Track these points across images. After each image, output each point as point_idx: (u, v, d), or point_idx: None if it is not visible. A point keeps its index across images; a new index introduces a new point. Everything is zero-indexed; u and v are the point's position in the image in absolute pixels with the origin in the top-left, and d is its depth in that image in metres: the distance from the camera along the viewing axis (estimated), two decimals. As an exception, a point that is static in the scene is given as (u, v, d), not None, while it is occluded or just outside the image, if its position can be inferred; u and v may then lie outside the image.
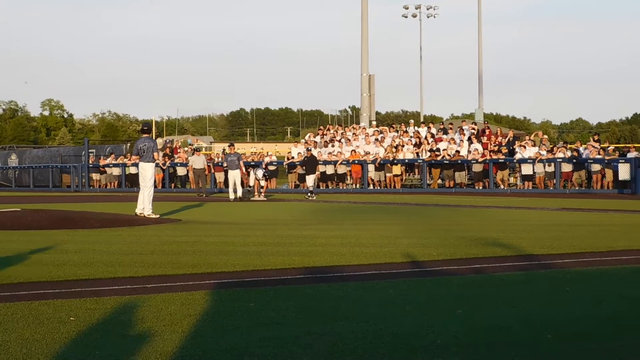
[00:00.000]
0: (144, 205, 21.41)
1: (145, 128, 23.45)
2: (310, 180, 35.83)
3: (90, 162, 50.61)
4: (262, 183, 35.49)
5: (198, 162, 40.34)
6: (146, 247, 14.42)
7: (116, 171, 48.39)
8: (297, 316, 7.88)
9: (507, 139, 42.42)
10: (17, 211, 22.13)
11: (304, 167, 38.16)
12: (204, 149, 43.92)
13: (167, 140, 55.12)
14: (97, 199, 38.05)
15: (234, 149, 35.67)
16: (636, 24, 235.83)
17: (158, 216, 21.38)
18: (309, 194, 35.12)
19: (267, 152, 48.25)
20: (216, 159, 44.97)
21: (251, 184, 35.76)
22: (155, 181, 23.02)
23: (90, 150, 53.90)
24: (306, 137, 50.79)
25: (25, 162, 58.47)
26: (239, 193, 33.70)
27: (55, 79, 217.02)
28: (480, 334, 7.07)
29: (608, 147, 42.29)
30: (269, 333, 7.09)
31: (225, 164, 35.89)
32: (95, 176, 49.80)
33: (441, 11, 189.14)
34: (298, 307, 8.36)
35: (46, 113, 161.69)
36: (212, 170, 43.46)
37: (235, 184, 33.87)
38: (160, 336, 6.99)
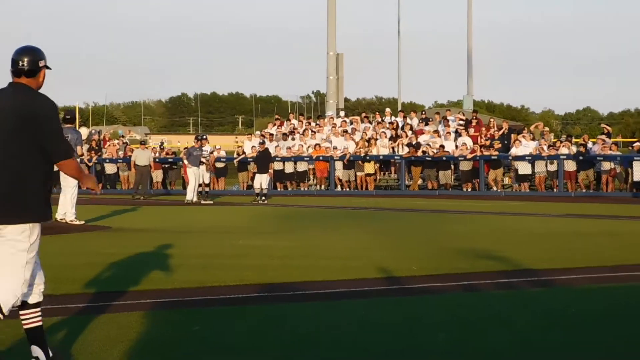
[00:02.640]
0: (66, 209, 21.30)
1: (68, 117, 23.09)
2: (262, 180, 35.67)
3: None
4: (207, 181, 35.56)
5: (142, 157, 40.03)
6: (69, 259, 14.35)
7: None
8: (251, 342, 7.90)
9: (501, 132, 42.56)
10: None
11: (256, 164, 38.07)
12: (142, 142, 43.65)
13: (94, 132, 54.64)
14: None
15: (206, 142, 36.17)
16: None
17: (83, 222, 21.27)
18: (259, 197, 35.06)
19: (215, 146, 48.04)
20: (154, 154, 44.65)
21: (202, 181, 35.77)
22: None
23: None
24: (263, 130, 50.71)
25: None
26: (193, 197, 33.92)
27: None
28: (470, 353, 7.14)
29: (635, 142, 42.45)
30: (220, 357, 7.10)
31: (186, 160, 35.28)
32: None
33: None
34: (252, 331, 8.39)
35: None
36: (151, 168, 43.17)
37: (195, 185, 34.21)
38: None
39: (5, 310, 6.83)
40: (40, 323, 7.11)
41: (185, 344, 7.78)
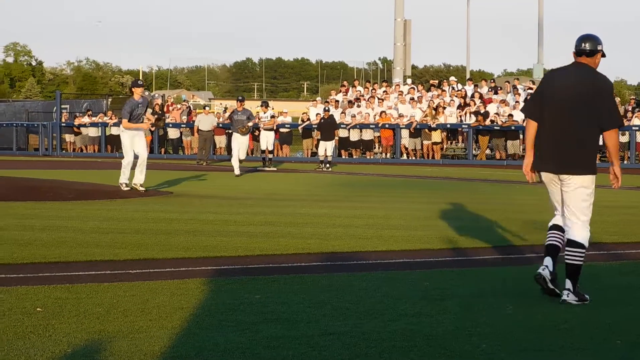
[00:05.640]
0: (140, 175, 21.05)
1: (141, 83, 22.51)
2: (327, 147, 35.61)
3: (63, 120, 50.53)
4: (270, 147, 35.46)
5: (206, 122, 39.96)
6: (129, 224, 14.45)
7: (94, 132, 48.28)
8: (312, 312, 7.88)
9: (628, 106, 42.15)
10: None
11: (319, 132, 37.97)
12: (206, 107, 43.41)
13: (154, 95, 54.59)
14: (71, 165, 38.06)
15: (243, 104, 31.30)
16: None
17: (144, 189, 21.18)
18: (323, 165, 35.05)
19: (283, 110, 47.91)
20: (217, 119, 44.47)
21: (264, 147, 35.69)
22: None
23: (63, 107, 53.63)
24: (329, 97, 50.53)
25: (-17, 118, 58.46)
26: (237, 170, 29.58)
27: (22, 19, 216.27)
28: (535, 335, 7.06)
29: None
30: (277, 332, 7.09)
31: (231, 126, 31.05)
32: (68, 137, 49.69)
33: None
34: (313, 300, 8.37)
35: (10, 60, 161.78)
36: (215, 133, 42.98)
37: (239, 152, 29.56)
38: (146, 333, 7.01)
39: (587, 244, 8.84)
40: (579, 263, 8.61)
41: (245, 313, 7.77)
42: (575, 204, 8.95)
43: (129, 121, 20.68)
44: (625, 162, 37.80)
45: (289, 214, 16.54)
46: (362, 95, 47.22)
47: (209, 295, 8.58)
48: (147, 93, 56.51)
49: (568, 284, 8.48)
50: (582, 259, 8.64)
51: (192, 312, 7.78)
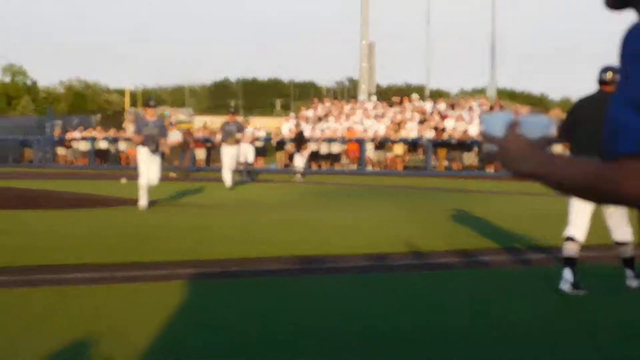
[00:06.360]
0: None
1: (152, 104, 20.95)
2: (298, 159, 35.72)
3: (56, 134, 50.37)
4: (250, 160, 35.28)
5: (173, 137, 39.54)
6: (117, 230, 14.38)
7: (84, 146, 48.10)
8: (287, 310, 7.82)
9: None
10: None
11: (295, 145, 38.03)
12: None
13: (166, 114, 54.48)
14: (63, 176, 37.87)
15: (234, 117, 30.17)
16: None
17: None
18: (296, 175, 35.09)
19: (256, 126, 47.93)
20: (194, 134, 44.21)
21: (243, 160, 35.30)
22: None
23: (55, 122, 53.55)
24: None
25: (-19, 133, 58.11)
26: (228, 181, 27.59)
27: (18, 42, 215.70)
28: (494, 329, 7.02)
29: None
30: (255, 328, 7.04)
31: (220, 137, 29.57)
32: (60, 151, 49.53)
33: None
34: (287, 301, 8.31)
35: (7, 79, 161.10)
36: (192, 146, 42.72)
37: (228, 165, 28.00)
38: (131, 331, 6.96)
39: None
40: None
41: (224, 313, 7.73)
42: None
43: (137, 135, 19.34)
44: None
45: (262, 220, 16.48)
46: (331, 112, 47.30)
47: (189, 297, 8.51)
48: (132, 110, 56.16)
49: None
50: None
51: (174, 311, 7.71)
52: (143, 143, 18.97)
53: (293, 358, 6.21)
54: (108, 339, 6.70)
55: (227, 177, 27.24)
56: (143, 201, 18.83)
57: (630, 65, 2.13)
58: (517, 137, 2.46)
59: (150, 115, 19.64)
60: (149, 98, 21.08)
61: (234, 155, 28.66)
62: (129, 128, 38.20)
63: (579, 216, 9.02)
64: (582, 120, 8.98)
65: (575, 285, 8.72)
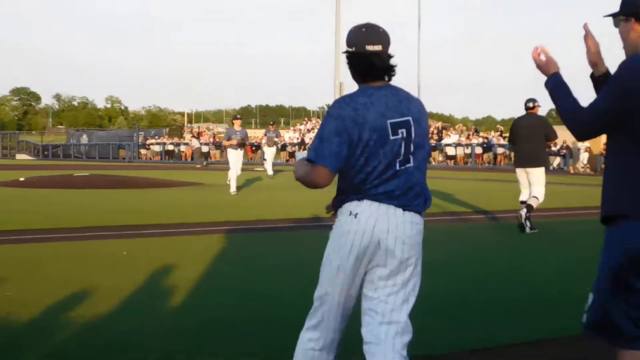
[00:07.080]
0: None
1: (238, 117, 18.98)
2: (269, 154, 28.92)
3: (140, 141, 50.23)
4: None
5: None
6: (175, 203, 14.22)
7: (157, 148, 48.11)
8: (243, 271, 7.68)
9: (436, 129, 42.32)
10: (87, 176, 21.95)
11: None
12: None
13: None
14: (144, 167, 37.53)
15: (273, 127, 28.70)
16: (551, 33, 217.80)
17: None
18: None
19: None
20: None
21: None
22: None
23: (139, 133, 53.45)
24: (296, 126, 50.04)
25: (92, 140, 57.57)
26: (270, 170, 25.74)
27: (117, 80, 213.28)
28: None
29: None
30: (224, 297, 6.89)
31: (264, 141, 28.12)
32: (142, 151, 49.43)
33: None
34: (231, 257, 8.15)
35: (108, 105, 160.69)
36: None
37: (271, 159, 26.57)
38: (188, 268, 6.82)
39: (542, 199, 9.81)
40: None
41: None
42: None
43: (227, 141, 17.80)
44: (468, 164, 37.90)
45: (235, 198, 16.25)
46: (316, 126, 47.21)
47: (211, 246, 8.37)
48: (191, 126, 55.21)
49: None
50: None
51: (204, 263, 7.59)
52: (232, 146, 17.46)
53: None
54: (176, 270, 6.64)
55: (269, 168, 25.64)
56: (233, 188, 17.05)
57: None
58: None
59: (237, 125, 18.00)
60: (236, 114, 20.17)
61: (274, 153, 27.48)
62: (187, 137, 37.57)
63: (523, 187, 9.84)
64: (518, 131, 9.88)
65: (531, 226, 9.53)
